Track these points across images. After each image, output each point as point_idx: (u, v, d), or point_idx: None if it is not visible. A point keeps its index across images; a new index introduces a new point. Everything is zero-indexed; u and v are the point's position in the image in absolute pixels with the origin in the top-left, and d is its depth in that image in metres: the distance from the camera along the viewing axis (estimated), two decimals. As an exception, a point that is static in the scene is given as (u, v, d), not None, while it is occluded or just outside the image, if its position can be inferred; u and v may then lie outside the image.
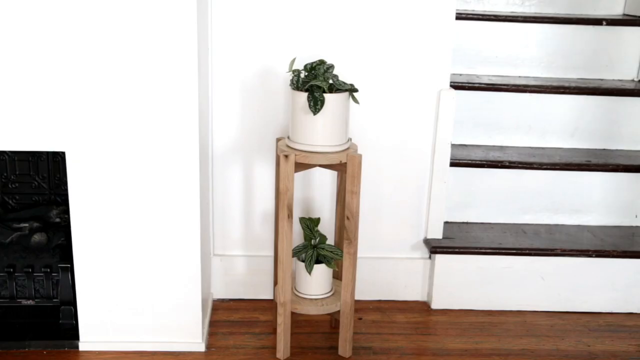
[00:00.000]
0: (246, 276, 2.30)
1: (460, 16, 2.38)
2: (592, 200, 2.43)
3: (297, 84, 1.81)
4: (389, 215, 2.28)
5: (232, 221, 2.26)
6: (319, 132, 1.79)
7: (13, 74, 1.72)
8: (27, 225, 2.07)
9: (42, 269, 2.01)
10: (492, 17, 2.44)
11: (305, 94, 1.77)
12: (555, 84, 2.38)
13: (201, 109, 1.87)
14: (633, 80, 2.51)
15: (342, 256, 1.93)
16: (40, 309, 2.05)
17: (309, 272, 1.94)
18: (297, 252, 1.97)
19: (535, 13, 2.54)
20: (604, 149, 2.48)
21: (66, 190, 1.85)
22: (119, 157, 1.81)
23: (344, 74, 2.04)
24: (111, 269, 1.90)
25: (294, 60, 1.87)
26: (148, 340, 1.97)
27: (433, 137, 2.21)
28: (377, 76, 2.14)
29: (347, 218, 1.86)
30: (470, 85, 2.32)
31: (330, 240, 2.15)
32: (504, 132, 2.45)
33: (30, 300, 2.05)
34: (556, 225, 2.46)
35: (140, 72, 1.74)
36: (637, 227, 2.46)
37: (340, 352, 2.00)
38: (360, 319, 2.22)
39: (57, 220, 2.11)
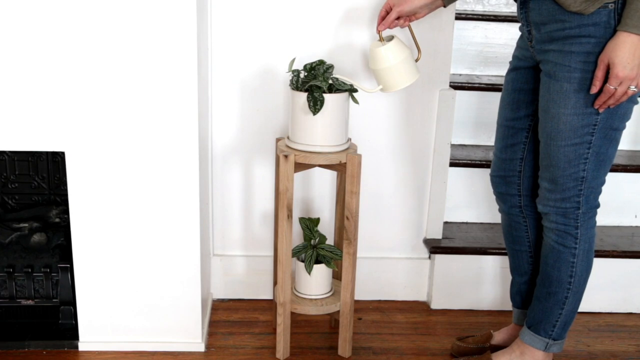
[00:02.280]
0: (246, 276, 2.30)
1: (460, 16, 2.38)
2: (592, 200, 2.43)
3: (297, 84, 1.81)
4: (389, 215, 2.28)
5: (232, 221, 2.26)
6: (319, 132, 1.79)
7: (13, 74, 1.72)
8: (26, 225, 2.06)
9: (42, 269, 2.01)
10: (492, 17, 2.44)
11: (305, 94, 1.77)
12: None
13: (201, 109, 1.87)
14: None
15: (341, 256, 1.93)
16: (40, 309, 2.05)
17: (309, 272, 1.94)
18: (296, 252, 1.97)
19: (535, 13, 2.53)
20: (604, 149, 2.48)
21: (66, 190, 1.85)
22: (119, 157, 1.81)
23: (344, 74, 2.04)
24: (111, 269, 1.90)
25: (293, 60, 1.87)
26: (148, 340, 1.97)
27: (433, 137, 2.21)
28: (377, 76, 2.14)
29: (347, 218, 1.86)
30: (470, 85, 2.32)
31: (330, 240, 2.15)
32: (504, 132, 2.45)
33: (30, 300, 2.05)
34: (556, 225, 2.46)
35: (140, 72, 1.74)
36: (636, 227, 2.46)
37: (340, 352, 2.00)
38: (360, 319, 2.22)
39: (57, 220, 2.11)
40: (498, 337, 2.01)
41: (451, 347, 2.04)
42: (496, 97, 2.43)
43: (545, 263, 1.78)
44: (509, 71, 1.83)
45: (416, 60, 1.90)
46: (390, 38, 1.85)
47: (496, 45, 2.48)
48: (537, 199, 1.77)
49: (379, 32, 1.85)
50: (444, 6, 1.84)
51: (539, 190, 1.75)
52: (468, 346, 1.99)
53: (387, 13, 1.84)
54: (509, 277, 2.29)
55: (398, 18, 1.85)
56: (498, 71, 2.50)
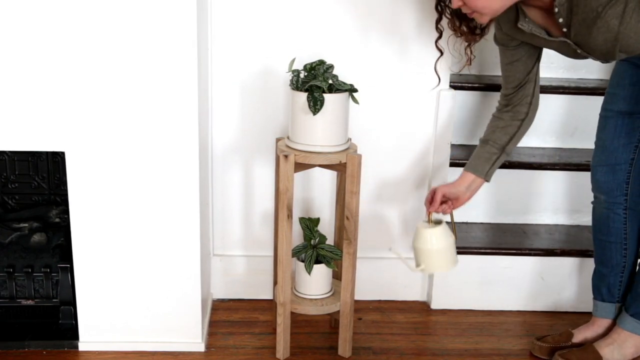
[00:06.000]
0: (246, 276, 2.30)
1: (460, 16, 2.37)
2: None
3: (297, 84, 1.81)
4: (389, 215, 2.28)
5: (232, 221, 2.26)
6: (319, 132, 1.79)
7: (13, 74, 1.72)
8: (26, 225, 2.07)
9: (42, 269, 2.02)
10: (492, 17, 2.44)
11: (305, 94, 1.77)
12: (555, 84, 2.38)
13: (201, 109, 1.87)
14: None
15: (341, 256, 1.93)
16: (40, 309, 2.05)
17: (309, 272, 1.94)
18: (296, 252, 1.97)
19: (535, 13, 2.53)
20: (604, 149, 2.48)
21: (66, 190, 1.85)
22: (119, 157, 1.81)
23: (344, 74, 2.04)
24: (111, 269, 1.90)
25: (293, 60, 1.87)
26: (148, 340, 1.97)
27: (433, 137, 2.21)
28: (377, 76, 2.14)
29: (347, 218, 1.86)
30: (470, 85, 2.32)
31: (330, 240, 2.15)
32: (504, 132, 2.45)
33: (30, 300, 2.05)
34: (556, 225, 2.46)
35: (140, 72, 1.74)
36: (637, 227, 2.46)
37: (340, 352, 2.00)
38: (360, 319, 2.22)
39: (57, 220, 2.11)
40: (580, 335, 2.01)
41: (532, 347, 2.04)
42: (496, 97, 2.43)
43: None
44: (622, 64, 1.82)
45: None
46: (439, 222, 1.87)
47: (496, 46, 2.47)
48: None
49: (429, 213, 1.89)
50: (487, 181, 1.91)
51: None
52: (557, 345, 1.99)
53: (433, 197, 1.89)
54: (508, 277, 2.29)
55: (444, 202, 1.89)
56: (498, 71, 2.49)
